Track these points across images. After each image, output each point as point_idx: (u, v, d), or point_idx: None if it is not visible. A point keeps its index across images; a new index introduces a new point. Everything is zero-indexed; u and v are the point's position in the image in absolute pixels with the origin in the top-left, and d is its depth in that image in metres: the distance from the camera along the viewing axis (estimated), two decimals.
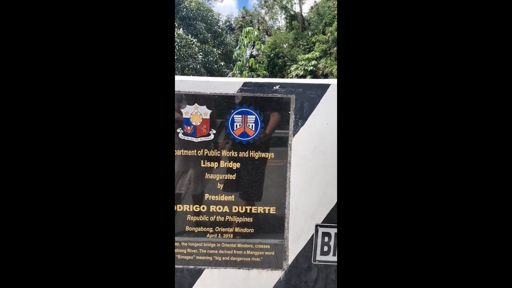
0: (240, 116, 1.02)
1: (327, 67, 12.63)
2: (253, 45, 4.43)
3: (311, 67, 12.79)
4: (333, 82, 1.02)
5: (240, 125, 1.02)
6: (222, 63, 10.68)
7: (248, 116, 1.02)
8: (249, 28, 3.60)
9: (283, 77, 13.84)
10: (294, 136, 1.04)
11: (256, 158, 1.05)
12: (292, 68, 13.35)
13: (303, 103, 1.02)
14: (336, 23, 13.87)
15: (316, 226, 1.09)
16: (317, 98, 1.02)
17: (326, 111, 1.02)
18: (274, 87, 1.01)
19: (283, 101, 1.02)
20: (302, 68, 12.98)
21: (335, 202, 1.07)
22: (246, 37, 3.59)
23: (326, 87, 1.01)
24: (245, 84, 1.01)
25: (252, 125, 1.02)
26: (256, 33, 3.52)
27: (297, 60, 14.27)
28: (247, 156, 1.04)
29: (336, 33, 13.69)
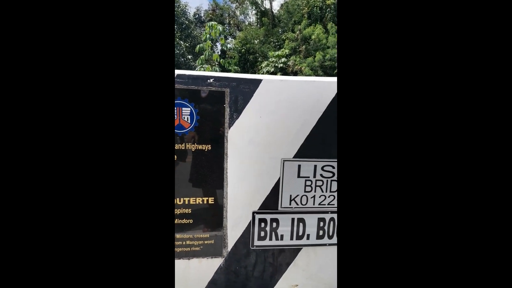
0: (175, 108, 1.02)
1: (296, 64, 12.97)
2: (218, 40, 4.37)
3: (281, 64, 13.03)
4: (264, 77, 1.07)
5: (175, 117, 1.03)
6: (189, 57, 10.31)
7: (183, 109, 1.03)
8: (213, 22, 3.54)
9: (254, 73, 13.87)
10: (230, 128, 1.07)
11: (192, 150, 1.07)
12: (263, 65, 13.46)
13: (238, 97, 1.06)
14: (304, 21, 14.23)
15: (253, 213, 1.15)
16: (250, 93, 1.06)
17: (259, 105, 1.07)
18: (208, 80, 1.03)
19: (217, 95, 1.05)
20: (273, 65, 13.15)
21: (269, 190, 1.14)
22: (211, 31, 3.53)
23: (258, 82, 1.06)
24: (178, 76, 1.02)
25: (187, 118, 1.04)
26: (220, 28, 3.49)
27: (268, 56, 14.39)
28: (184, 148, 1.06)
29: (304, 32, 14.06)
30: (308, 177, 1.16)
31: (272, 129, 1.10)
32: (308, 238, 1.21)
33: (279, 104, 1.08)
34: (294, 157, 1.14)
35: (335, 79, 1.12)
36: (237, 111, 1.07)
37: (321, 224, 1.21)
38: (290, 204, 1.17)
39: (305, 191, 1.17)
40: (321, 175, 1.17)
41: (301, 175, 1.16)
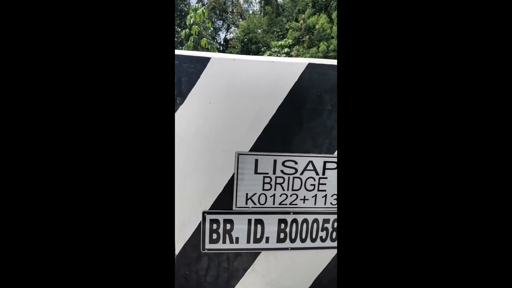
0: None
1: (300, 55, 12.61)
2: (204, 24, 4.16)
3: (284, 55, 12.69)
4: (214, 55, 0.91)
5: None
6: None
7: None
8: (197, 5, 3.33)
9: None
10: None
11: None
12: (266, 55, 13.15)
13: (181, 78, 0.91)
14: (308, 10, 13.73)
15: (203, 213, 1.02)
16: (196, 73, 0.91)
17: (208, 88, 0.92)
18: None
19: None
20: (275, 55, 12.83)
21: (222, 187, 1.00)
22: (195, 14, 3.32)
23: (206, 60, 0.91)
24: None
25: None
26: (204, 11, 3.27)
27: (270, 46, 14.03)
28: None
29: (308, 21, 13.58)
30: (267, 173, 1.02)
31: (224, 117, 0.95)
32: (267, 241, 1.08)
33: (231, 88, 0.93)
34: (250, 150, 0.99)
35: (297, 59, 0.95)
36: (180, 95, 0.92)
37: (282, 226, 1.08)
38: (246, 204, 1.04)
39: (263, 189, 1.03)
40: (282, 171, 1.02)
41: (258, 171, 1.01)
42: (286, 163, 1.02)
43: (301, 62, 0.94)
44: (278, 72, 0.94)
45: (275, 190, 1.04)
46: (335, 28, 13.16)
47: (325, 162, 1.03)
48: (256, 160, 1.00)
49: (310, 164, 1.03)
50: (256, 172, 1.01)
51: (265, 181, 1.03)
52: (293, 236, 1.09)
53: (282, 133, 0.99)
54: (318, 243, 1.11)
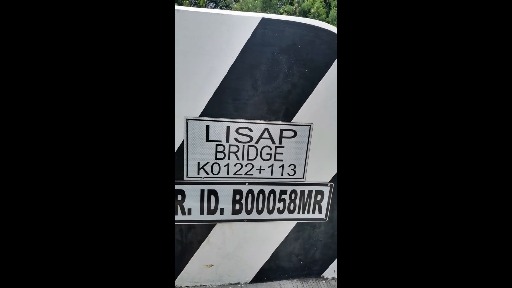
0: None
1: None
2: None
3: None
4: None
5: None
6: None
7: None
8: None
9: None
10: None
11: None
12: None
13: None
14: None
15: None
16: None
17: None
18: None
19: None
20: None
21: None
22: None
23: None
24: None
25: None
26: None
27: None
28: None
29: (303, 5, 13.17)
30: (220, 141, 0.95)
31: None
32: (222, 213, 1.04)
33: (176, 44, 0.84)
34: (200, 115, 0.92)
35: (250, 14, 0.86)
36: None
37: (238, 197, 1.03)
38: (198, 174, 0.98)
39: (216, 158, 0.97)
40: (236, 139, 0.96)
41: (210, 139, 0.95)
42: (240, 131, 0.95)
43: (254, 17, 0.86)
44: (230, 26, 0.85)
45: (229, 159, 0.98)
46: (331, 13, 12.79)
47: (281, 130, 0.97)
48: (207, 127, 0.93)
49: (266, 132, 0.97)
50: (208, 140, 0.95)
51: (218, 150, 0.96)
52: (249, 208, 1.05)
53: (235, 97, 0.92)
54: (275, 215, 1.07)
